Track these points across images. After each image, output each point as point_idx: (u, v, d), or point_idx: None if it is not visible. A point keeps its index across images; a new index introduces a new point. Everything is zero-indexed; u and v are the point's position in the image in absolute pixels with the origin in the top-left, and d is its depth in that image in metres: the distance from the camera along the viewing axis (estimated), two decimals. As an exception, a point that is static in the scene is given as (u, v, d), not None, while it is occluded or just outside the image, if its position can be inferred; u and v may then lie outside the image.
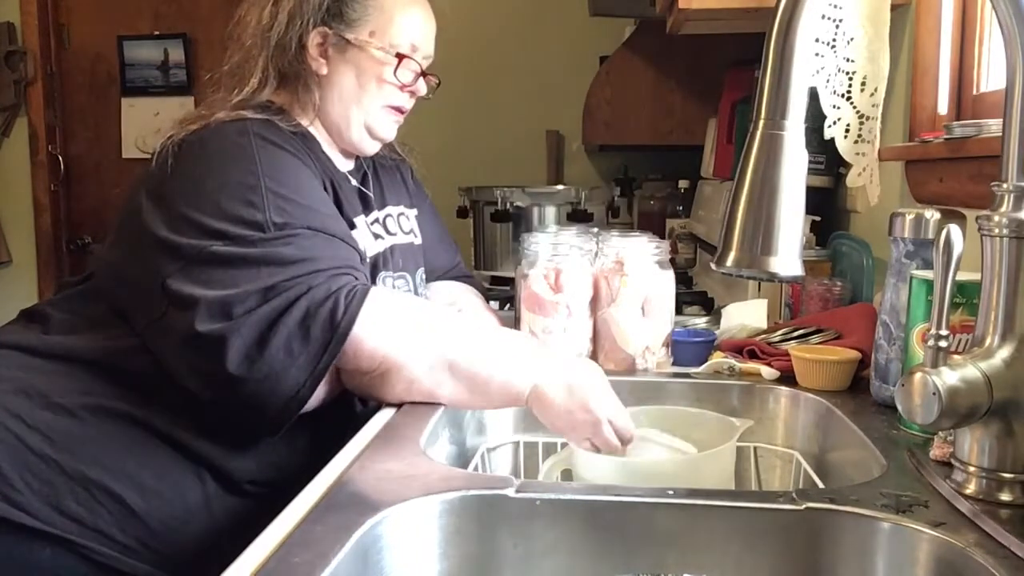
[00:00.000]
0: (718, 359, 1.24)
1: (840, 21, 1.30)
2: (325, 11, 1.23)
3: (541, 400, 1.03)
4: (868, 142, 1.33)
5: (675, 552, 0.78)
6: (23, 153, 3.51)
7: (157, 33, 3.51)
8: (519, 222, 2.26)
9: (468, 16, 2.97)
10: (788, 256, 0.76)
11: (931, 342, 0.74)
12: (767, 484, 1.16)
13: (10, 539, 1.02)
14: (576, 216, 2.24)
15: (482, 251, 2.38)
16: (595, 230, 1.45)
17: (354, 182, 1.32)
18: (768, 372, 1.19)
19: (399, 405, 1.07)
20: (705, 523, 0.78)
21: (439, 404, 1.06)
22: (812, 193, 1.17)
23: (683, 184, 2.56)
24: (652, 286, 1.27)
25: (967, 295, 0.89)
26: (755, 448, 1.16)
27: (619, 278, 1.26)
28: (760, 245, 0.76)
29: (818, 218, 1.64)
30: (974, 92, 1.32)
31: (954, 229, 0.73)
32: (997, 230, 0.75)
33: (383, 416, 1.04)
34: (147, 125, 3.45)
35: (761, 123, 0.76)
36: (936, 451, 0.88)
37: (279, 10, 1.23)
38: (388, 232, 1.33)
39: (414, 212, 1.44)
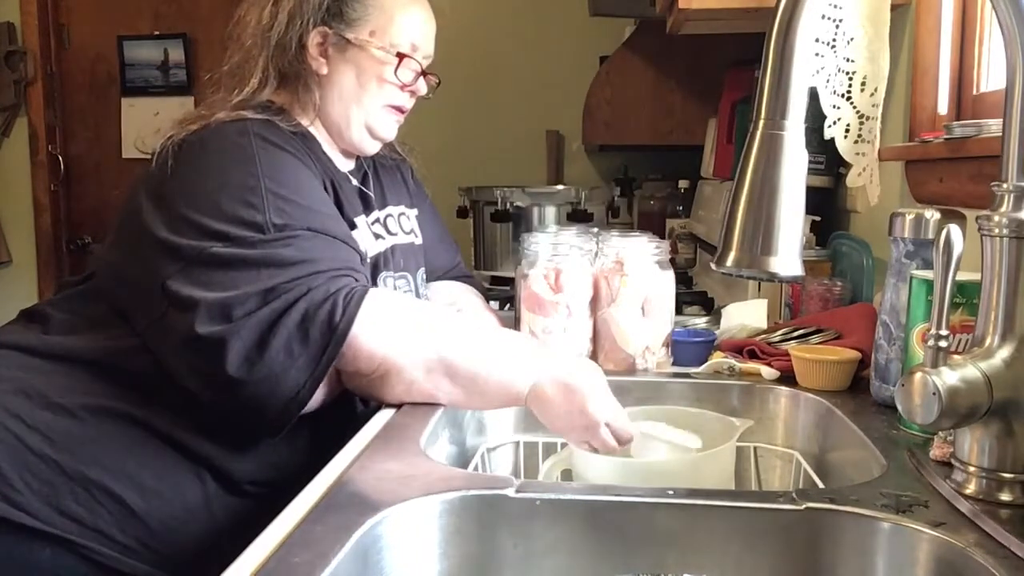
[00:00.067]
0: (718, 359, 1.24)
1: (840, 21, 1.29)
2: (325, 11, 1.23)
3: (540, 400, 1.03)
4: (868, 142, 1.33)
5: (675, 552, 0.78)
6: (23, 153, 3.51)
7: (157, 33, 3.51)
8: (519, 222, 2.26)
9: (468, 16, 2.97)
10: (788, 256, 0.76)
11: (931, 342, 0.74)
12: (767, 484, 1.16)
13: (10, 539, 1.02)
14: (576, 216, 2.24)
15: (482, 251, 2.38)
16: (595, 230, 1.45)
17: (355, 182, 1.32)
18: (768, 372, 1.19)
19: (399, 405, 1.07)
20: (705, 523, 0.78)
21: (439, 404, 1.06)
22: (812, 193, 1.17)
23: (683, 184, 2.56)
24: (652, 286, 1.27)
25: (967, 295, 0.89)
26: (755, 448, 1.16)
27: (619, 278, 1.26)
28: (760, 245, 0.76)
29: (818, 218, 1.64)
30: (974, 92, 1.32)
31: (954, 229, 0.73)
32: (997, 230, 0.75)
33: (383, 416, 1.04)
34: (147, 125, 3.44)
35: (761, 123, 0.76)
36: (936, 451, 0.88)
37: (279, 10, 1.23)
38: (389, 232, 1.33)
39: (414, 212, 1.44)
